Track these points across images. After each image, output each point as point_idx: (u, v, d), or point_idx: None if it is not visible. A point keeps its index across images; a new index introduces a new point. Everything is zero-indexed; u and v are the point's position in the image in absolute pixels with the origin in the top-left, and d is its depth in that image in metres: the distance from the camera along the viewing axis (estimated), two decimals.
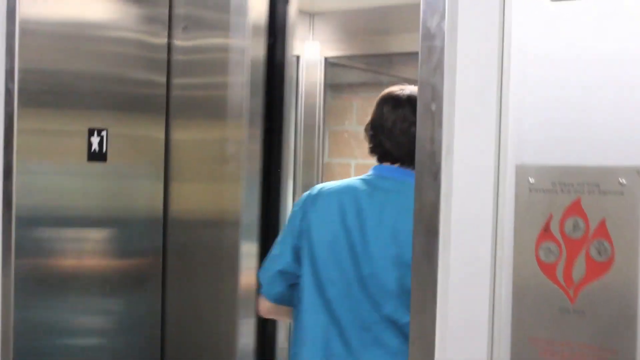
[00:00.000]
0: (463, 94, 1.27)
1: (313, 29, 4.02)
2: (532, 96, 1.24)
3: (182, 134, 2.14)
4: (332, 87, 4.31)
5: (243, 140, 2.06)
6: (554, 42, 1.23)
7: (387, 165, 2.32)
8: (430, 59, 1.32)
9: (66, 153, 2.05)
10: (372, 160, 4.35)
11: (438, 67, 1.29)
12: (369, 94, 4.45)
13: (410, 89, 2.41)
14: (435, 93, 1.29)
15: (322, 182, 4.19)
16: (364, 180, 2.29)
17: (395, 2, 3.77)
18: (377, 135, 2.38)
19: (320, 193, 2.26)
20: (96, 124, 2.09)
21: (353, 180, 2.30)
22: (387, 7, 3.83)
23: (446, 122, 1.27)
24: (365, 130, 2.46)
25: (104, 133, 2.12)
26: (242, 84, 2.04)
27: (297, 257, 2.15)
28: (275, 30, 2.15)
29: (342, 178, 4.58)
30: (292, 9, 2.19)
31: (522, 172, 1.25)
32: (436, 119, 1.28)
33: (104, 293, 2.13)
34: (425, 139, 1.30)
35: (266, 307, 2.23)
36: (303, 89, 4.02)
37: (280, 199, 2.24)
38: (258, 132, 2.14)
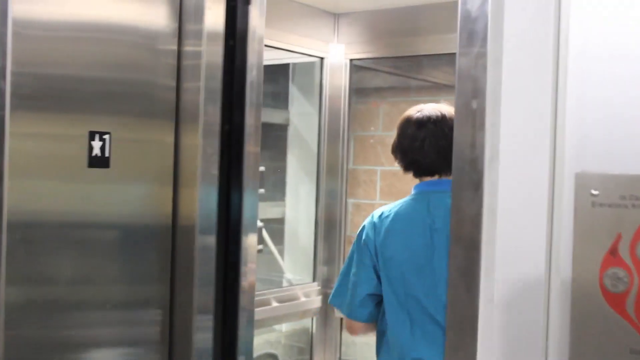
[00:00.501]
0: (511, 89, 1.04)
1: (337, 30, 3.81)
2: (595, 91, 1.01)
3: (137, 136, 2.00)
4: (358, 91, 4.10)
5: (198, 144, 1.99)
6: (623, 29, 1.01)
7: (428, 179, 2.49)
8: (470, 47, 1.10)
9: (64, 158, 1.86)
10: (398, 167, 4.12)
11: (480, 58, 1.07)
12: (396, 99, 4.23)
13: (428, 109, 2.53)
14: (476, 88, 1.07)
15: (346, 189, 4.01)
16: (417, 198, 2.46)
17: (424, 1, 3.55)
18: (407, 154, 2.51)
19: (387, 215, 2.44)
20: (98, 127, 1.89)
21: (409, 200, 2.48)
22: (415, 7, 3.61)
23: (490, 122, 1.05)
24: (393, 152, 2.58)
25: (106, 137, 1.92)
26: (197, 89, 1.97)
27: (379, 278, 2.37)
28: (235, 34, 2.07)
29: (367, 185, 4.40)
30: (254, 12, 2.10)
31: (582, 182, 1.02)
32: (478, 118, 1.06)
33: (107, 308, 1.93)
34: (465, 143, 1.08)
35: (359, 328, 2.47)
36: (327, 93, 3.81)
37: (243, 204, 2.11)
38: (214, 137, 2.03)
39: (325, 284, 3.87)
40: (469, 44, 1.10)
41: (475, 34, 1.10)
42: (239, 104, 2.17)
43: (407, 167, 2.53)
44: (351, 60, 3.80)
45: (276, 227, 4.08)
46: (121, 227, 1.99)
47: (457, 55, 1.13)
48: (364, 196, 4.24)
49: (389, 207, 2.49)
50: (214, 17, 2.09)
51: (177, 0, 2.07)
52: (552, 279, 1.04)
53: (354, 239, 2.64)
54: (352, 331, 2.52)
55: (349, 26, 3.79)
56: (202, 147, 2.04)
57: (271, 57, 3.86)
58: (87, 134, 1.88)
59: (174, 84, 2.08)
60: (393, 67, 4.19)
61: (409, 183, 4.32)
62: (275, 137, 4.10)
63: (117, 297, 2.01)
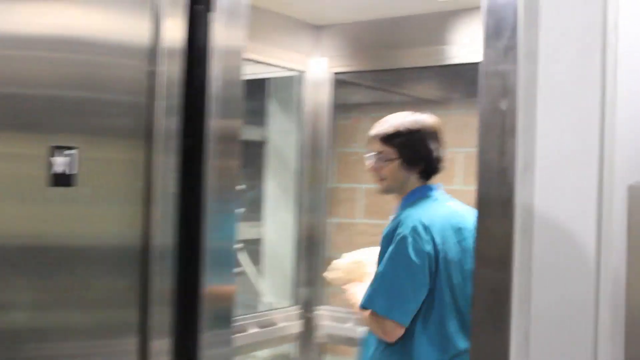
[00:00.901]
0: (548, 86, 0.86)
1: (319, 43, 3.64)
2: None
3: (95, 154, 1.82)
4: (339, 106, 3.92)
5: (156, 161, 1.84)
6: None
7: (431, 183, 2.60)
8: (497, 37, 0.91)
9: (22, 178, 1.65)
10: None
11: (510, 50, 0.89)
12: (378, 114, 4.05)
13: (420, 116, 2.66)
14: (505, 86, 0.89)
15: (327, 208, 3.82)
16: (437, 198, 2.55)
17: (408, 12, 3.39)
18: (432, 159, 2.57)
19: (430, 222, 2.42)
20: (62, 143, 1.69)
21: (434, 203, 2.52)
22: (399, 18, 3.45)
23: (523, 125, 0.87)
24: (416, 162, 2.54)
25: (73, 152, 1.72)
26: (155, 106, 1.82)
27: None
28: (196, 51, 1.95)
29: (349, 204, 4.22)
30: (216, 29, 1.96)
31: (637, 194, 0.84)
32: (507, 121, 0.88)
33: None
34: (491, 151, 0.90)
35: (400, 332, 2.39)
36: (307, 107, 3.63)
37: (201, 221, 1.95)
38: (172, 153, 1.87)
39: (306, 307, 3.66)
40: (496, 34, 0.92)
41: (503, 22, 0.92)
42: (199, 118, 2.02)
43: (427, 172, 2.57)
44: (335, 74, 3.63)
45: (254, 248, 3.88)
46: (87, 249, 1.79)
47: (483, 48, 0.95)
48: (346, 215, 4.05)
49: (424, 211, 2.47)
50: (172, 30, 1.94)
51: (146, 15, 1.90)
52: (601, 305, 0.86)
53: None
54: (394, 337, 2.41)
55: (331, 39, 3.62)
56: (159, 163, 1.87)
57: (247, 72, 3.67)
58: (47, 151, 1.68)
59: (141, 100, 1.89)
60: (375, 81, 4.03)
61: (392, 201, 4.14)
62: (252, 155, 3.90)
63: (83, 325, 1.80)
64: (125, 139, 1.82)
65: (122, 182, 1.81)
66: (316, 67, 3.60)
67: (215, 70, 2.03)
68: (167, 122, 1.88)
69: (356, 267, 2.74)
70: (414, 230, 2.35)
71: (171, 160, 1.89)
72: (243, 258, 3.72)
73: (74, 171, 1.72)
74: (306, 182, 3.65)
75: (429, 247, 2.36)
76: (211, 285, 2.03)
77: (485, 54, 0.94)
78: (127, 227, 1.82)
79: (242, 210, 3.40)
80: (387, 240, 2.45)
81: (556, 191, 0.89)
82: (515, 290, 0.88)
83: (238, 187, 3.59)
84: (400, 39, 3.46)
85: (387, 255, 2.37)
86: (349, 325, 3.53)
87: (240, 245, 3.58)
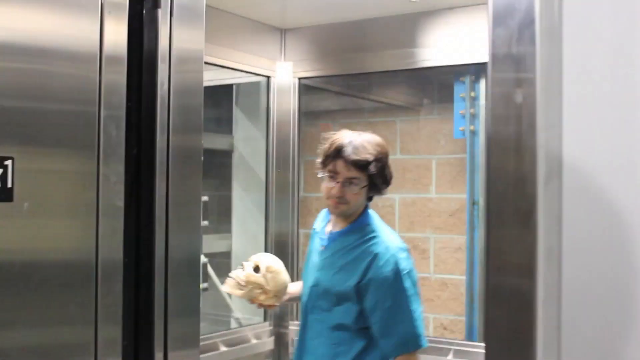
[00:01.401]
0: (577, 71, 0.67)
1: (284, 47, 3.43)
2: None
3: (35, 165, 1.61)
4: (307, 113, 3.72)
5: (102, 173, 1.66)
6: None
7: None
8: (508, 16, 0.72)
9: None
10: None
11: (526, 28, 0.69)
12: (348, 120, 3.86)
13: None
14: (520, 74, 0.70)
15: (297, 219, 3.61)
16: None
17: (377, 13, 3.21)
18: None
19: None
20: None
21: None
22: (366, 21, 3.26)
23: (545, 121, 0.67)
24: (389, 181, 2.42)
25: (8, 163, 1.48)
26: (100, 115, 1.64)
27: None
28: (141, 57, 1.77)
29: (318, 214, 4.01)
30: (166, 30, 1.80)
31: None
32: (525, 117, 0.68)
33: None
34: (504, 155, 0.70)
35: None
36: (275, 115, 3.42)
37: (154, 236, 1.79)
38: (118, 165, 1.68)
39: (278, 322, 3.44)
40: (507, 10, 0.72)
41: None
42: (150, 127, 1.79)
43: (377, 192, 2.43)
44: (300, 79, 3.42)
45: (222, 262, 3.65)
46: (30, 266, 1.56)
47: (490, 28, 0.76)
48: None
49: (392, 234, 2.39)
50: (114, 34, 1.73)
51: (87, 15, 1.68)
52: None
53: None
54: None
55: (296, 42, 3.42)
56: (106, 175, 1.66)
57: (212, 77, 3.46)
58: None
59: (83, 108, 1.67)
60: (344, 86, 3.83)
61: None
62: (219, 165, 3.68)
63: (30, 347, 1.57)
64: (67, 149, 1.60)
65: (65, 195, 1.59)
66: (282, 72, 3.39)
67: (169, 75, 1.83)
68: (113, 132, 1.67)
69: (272, 277, 2.46)
70: (409, 260, 2.34)
71: (118, 172, 1.68)
72: (211, 272, 3.49)
73: (9, 184, 1.49)
74: (275, 192, 3.44)
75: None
76: (173, 301, 1.83)
77: (493, 35, 0.74)
78: (72, 242, 1.61)
79: (205, 223, 3.18)
80: (355, 253, 2.32)
81: (590, 206, 0.69)
82: (539, 334, 0.69)
83: (201, 199, 3.35)
84: (368, 42, 3.28)
85: (403, 292, 2.26)
86: None
87: (205, 260, 3.35)
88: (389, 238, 2.34)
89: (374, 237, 2.33)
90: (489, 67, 0.76)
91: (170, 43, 1.87)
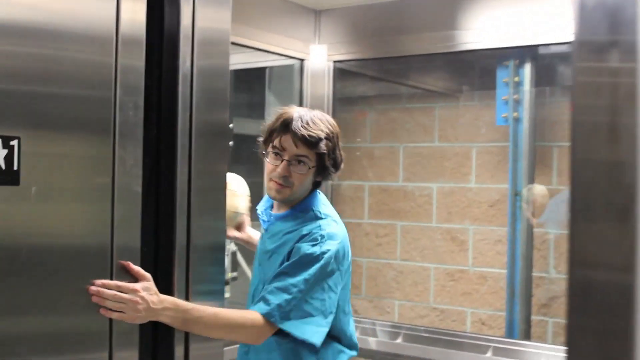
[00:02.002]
0: None
1: (319, 29, 3.28)
2: None
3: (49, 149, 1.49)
4: (342, 98, 3.57)
5: (117, 156, 1.54)
6: None
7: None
8: None
9: None
10: (388, 182, 3.59)
11: (624, 10, 0.53)
12: (385, 106, 3.70)
13: None
14: (616, 63, 0.54)
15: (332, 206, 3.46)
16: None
17: None
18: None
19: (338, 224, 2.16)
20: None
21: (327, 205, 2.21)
22: (405, 1, 3.10)
23: None
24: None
25: (14, 143, 1.37)
26: (108, 95, 1.52)
27: None
28: (162, 42, 1.69)
29: (354, 203, 3.88)
30: (185, 13, 1.70)
31: None
32: (622, 96, 0.53)
33: None
34: (591, 143, 0.55)
35: None
36: (308, 100, 3.28)
37: (175, 223, 1.68)
38: (136, 147, 1.58)
39: None
40: None
41: None
42: (170, 107, 1.68)
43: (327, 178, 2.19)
44: (334, 62, 3.27)
45: (253, 250, 3.53)
46: (42, 251, 1.46)
47: (577, 9, 0.61)
48: (351, 215, 3.69)
49: (335, 222, 2.13)
50: (131, 12, 1.61)
51: (110, 1, 1.57)
52: None
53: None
54: None
55: (331, 24, 3.27)
56: (122, 159, 1.55)
57: (244, 60, 3.33)
58: None
59: (100, 93, 1.56)
60: (381, 71, 3.67)
61: (400, 200, 3.82)
62: (250, 150, 3.55)
63: (43, 336, 1.48)
64: (78, 132, 1.49)
65: (77, 180, 1.48)
66: (316, 55, 3.24)
67: (192, 56, 1.71)
68: (130, 112, 1.55)
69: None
70: (331, 249, 2.05)
71: (136, 155, 1.56)
72: (241, 260, 3.37)
73: (15, 167, 1.37)
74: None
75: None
76: (195, 292, 1.71)
77: (582, 18, 0.58)
78: (85, 229, 1.50)
79: None
80: (289, 236, 2.09)
81: None
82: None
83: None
84: (406, 23, 3.11)
85: (305, 270, 1.99)
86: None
87: (235, 248, 3.23)
88: (327, 223, 2.08)
89: (310, 223, 2.08)
90: (574, 54, 0.62)
91: (194, 23, 1.74)
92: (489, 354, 2.86)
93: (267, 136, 2.10)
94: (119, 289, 1.54)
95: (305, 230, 2.05)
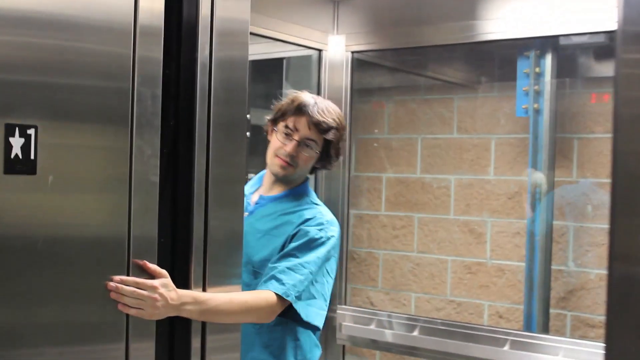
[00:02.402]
0: None
1: (337, 19, 3.25)
2: None
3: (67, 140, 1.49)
4: (361, 90, 3.53)
5: (134, 145, 1.53)
6: None
7: None
8: None
9: None
10: (407, 174, 3.56)
11: None
12: (402, 97, 3.66)
13: None
14: None
15: (348, 199, 3.44)
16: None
17: None
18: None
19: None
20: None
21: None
22: None
23: None
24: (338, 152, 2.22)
25: (31, 132, 1.35)
26: (126, 84, 1.51)
27: None
28: (181, 32, 1.68)
29: (371, 194, 3.84)
30: (204, 2, 1.68)
31: None
32: None
33: None
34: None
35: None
36: (326, 91, 3.25)
37: (192, 214, 1.67)
38: (154, 137, 1.56)
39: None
40: None
41: None
42: (188, 97, 1.67)
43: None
44: (353, 52, 3.24)
45: None
46: (62, 241, 1.45)
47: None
48: (368, 206, 3.67)
49: (328, 211, 2.20)
50: (149, 2, 1.58)
51: None
52: None
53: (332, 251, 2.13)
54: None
55: (350, 14, 3.23)
56: (139, 150, 1.54)
57: (262, 51, 3.30)
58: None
59: (117, 84, 1.54)
60: (399, 62, 3.63)
61: (418, 192, 3.78)
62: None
63: (59, 328, 1.48)
64: (96, 122, 1.48)
65: (94, 170, 1.46)
66: (334, 46, 3.21)
67: (211, 46, 1.69)
68: (148, 101, 1.53)
69: None
70: (335, 236, 2.15)
71: (153, 144, 1.54)
72: None
73: (32, 156, 1.36)
74: (325, 171, 3.27)
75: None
76: (212, 285, 1.70)
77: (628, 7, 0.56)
78: (102, 219, 1.49)
79: None
80: (287, 218, 2.13)
81: None
82: None
83: (248, 176, 3.21)
84: (425, 13, 3.07)
85: (314, 253, 2.07)
86: (372, 327, 3.16)
87: None
88: (325, 210, 2.18)
89: (311, 208, 2.15)
90: (618, 44, 0.59)
91: (213, 13, 1.72)
92: (506, 347, 2.82)
93: (279, 116, 2.16)
94: (138, 286, 1.53)
95: (308, 214, 2.10)
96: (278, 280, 1.98)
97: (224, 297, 1.75)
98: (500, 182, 3.31)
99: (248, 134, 3.30)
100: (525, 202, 3.20)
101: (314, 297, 2.04)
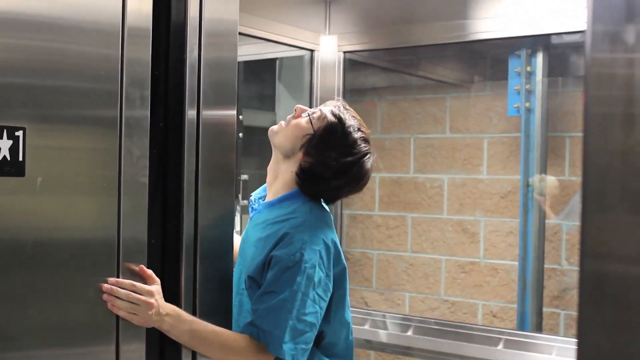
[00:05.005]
0: None
1: (329, 19, 3.26)
2: None
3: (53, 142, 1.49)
4: (353, 90, 3.54)
5: (123, 146, 1.54)
6: None
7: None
8: None
9: None
10: (400, 174, 3.57)
11: None
12: (395, 97, 3.67)
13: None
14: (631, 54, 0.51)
15: (340, 204, 3.45)
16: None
17: None
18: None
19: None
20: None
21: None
22: None
23: None
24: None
25: (19, 134, 1.36)
26: (116, 91, 1.52)
27: None
28: (169, 33, 1.69)
29: (364, 195, 3.85)
30: (192, 3, 1.70)
31: None
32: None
33: None
34: (606, 125, 0.53)
35: None
36: (318, 91, 3.25)
37: (182, 214, 1.67)
38: (142, 138, 1.57)
39: None
40: None
41: None
42: (177, 99, 1.68)
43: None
44: (345, 52, 3.25)
45: None
46: (49, 244, 1.46)
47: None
48: (362, 207, 3.68)
49: (319, 228, 1.96)
50: (137, 3, 1.61)
51: None
52: None
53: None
54: None
55: (342, 14, 3.24)
56: (124, 148, 1.54)
57: (254, 52, 3.31)
58: None
59: (104, 86, 1.55)
60: (391, 62, 3.64)
61: (411, 191, 3.80)
62: (261, 143, 3.54)
63: (50, 329, 1.48)
64: (84, 124, 1.48)
65: (84, 171, 1.47)
66: (326, 46, 3.22)
67: (200, 47, 1.70)
68: (137, 103, 1.54)
69: None
70: (316, 255, 1.89)
71: (142, 145, 1.55)
72: None
73: (20, 158, 1.37)
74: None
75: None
76: (203, 287, 1.70)
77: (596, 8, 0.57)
78: (91, 221, 1.50)
79: (245, 202, 3.05)
80: (274, 228, 1.90)
81: None
82: None
83: (240, 177, 3.21)
84: (417, 13, 3.08)
85: (292, 284, 1.82)
86: (366, 327, 3.17)
87: None
88: (311, 224, 1.91)
89: (295, 217, 1.90)
90: (587, 45, 0.61)
91: (201, 14, 1.73)
92: (500, 347, 2.84)
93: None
94: (134, 289, 1.53)
95: (284, 230, 1.87)
96: (257, 326, 1.79)
97: (209, 326, 1.69)
98: (493, 181, 3.33)
99: (241, 134, 3.31)
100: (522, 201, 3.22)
101: (305, 332, 1.83)
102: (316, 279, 1.85)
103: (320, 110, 1.97)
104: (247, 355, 1.78)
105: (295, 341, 1.80)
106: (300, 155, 1.92)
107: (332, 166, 1.90)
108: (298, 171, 1.93)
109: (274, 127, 2.01)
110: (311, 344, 1.86)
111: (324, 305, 1.89)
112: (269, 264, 1.84)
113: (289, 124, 1.98)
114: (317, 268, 1.85)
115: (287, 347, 1.78)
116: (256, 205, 2.04)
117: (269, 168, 2.03)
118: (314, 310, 1.84)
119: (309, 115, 1.96)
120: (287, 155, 1.96)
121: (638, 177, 0.60)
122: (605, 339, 0.68)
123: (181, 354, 1.68)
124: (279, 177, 1.98)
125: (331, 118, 1.93)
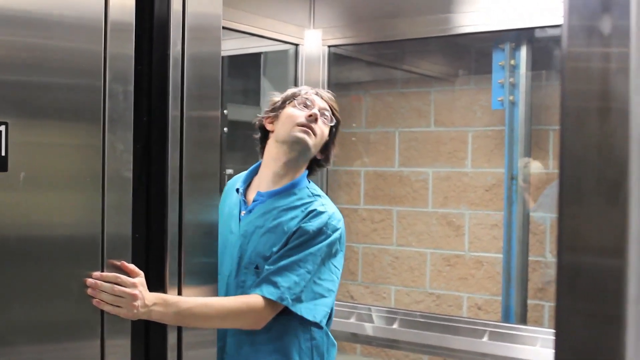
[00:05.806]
0: None
1: (313, 13, 3.26)
2: None
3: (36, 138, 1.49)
4: (338, 84, 3.55)
5: (107, 141, 1.54)
6: None
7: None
8: None
9: None
10: (385, 167, 3.58)
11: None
12: (380, 91, 3.68)
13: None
14: (608, 48, 0.53)
15: (326, 193, 3.44)
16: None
17: None
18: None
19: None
20: None
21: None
22: None
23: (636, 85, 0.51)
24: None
25: (1, 129, 1.36)
26: (100, 87, 1.52)
27: None
28: (152, 27, 1.70)
29: (349, 188, 3.87)
30: (175, 0, 1.70)
31: None
32: (615, 57, 0.52)
33: None
34: (580, 110, 0.55)
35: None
36: (303, 84, 3.26)
37: (167, 209, 1.68)
38: (126, 132, 1.57)
39: None
40: None
41: None
42: (161, 93, 1.68)
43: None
44: (329, 47, 3.25)
45: None
46: (31, 240, 1.45)
47: None
48: (347, 201, 3.69)
49: (326, 198, 2.11)
50: (121, 0, 1.61)
51: None
52: None
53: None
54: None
55: (326, 8, 3.24)
56: (108, 143, 1.54)
57: (238, 46, 3.31)
58: None
59: (88, 81, 1.55)
60: (376, 56, 3.65)
61: (396, 185, 3.81)
62: (246, 137, 3.54)
63: (33, 326, 1.48)
64: (68, 119, 1.48)
65: (67, 166, 1.47)
66: (311, 40, 3.22)
67: (183, 42, 1.71)
68: (120, 97, 1.54)
69: None
70: (340, 229, 2.05)
71: (126, 140, 1.55)
72: None
73: (3, 153, 1.37)
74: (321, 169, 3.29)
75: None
76: (188, 280, 1.70)
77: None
78: (75, 216, 1.50)
79: None
80: (291, 214, 2.01)
81: None
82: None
83: (226, 172, 3.21)
84: (402, 7, 3.09)
85: (313, 247, 1.95)
86: (352, 320, 3.19)
87: None
88: (328, 202, 2.07)
89: (314, 201, 2.03)
90: (564, 38, 0.62)
91: (184, 8, 1.72)
92: (485, 339, 2.86)
93: (290, 96, 2.09)
94: (118, 282, 1.54)
95: (310, 207, 1.99)
96: (273, 283, 1.88)
97: (199, 300, 1.72)
98: (478, 175, 3.35)
99: (225, 129, 3.31)
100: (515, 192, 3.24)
101: (323, 296, 1.95)
102: (334, 251, 1.99)
103: (325, 111, 2.09)
104: (251, 314, 1.85)
105: (314, 302, 1.92)
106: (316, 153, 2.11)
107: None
108: (314, 165, 2.13)
109: (307, 139, 2.04)
110: (329, 310, 1.96)
111: (338, 277, 2.01)
112: (295, 233, 1.96)
113: (318, 135, 2.06)
114: (337, 243, 2.00)
115: (303, 305, 1.90)
116: (252, 196, 2.08)
117: (279, 165, 2.07)
118: (330, 278, 1.97)
119: (324, 121, 2.08)
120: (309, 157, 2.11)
121: (612, 168, 0.62)
122: (582, 330, 0.70)
123: (166, 349, 1.69)
124: (296, 172, 2.08)
125: (337, 118, 2.12)
